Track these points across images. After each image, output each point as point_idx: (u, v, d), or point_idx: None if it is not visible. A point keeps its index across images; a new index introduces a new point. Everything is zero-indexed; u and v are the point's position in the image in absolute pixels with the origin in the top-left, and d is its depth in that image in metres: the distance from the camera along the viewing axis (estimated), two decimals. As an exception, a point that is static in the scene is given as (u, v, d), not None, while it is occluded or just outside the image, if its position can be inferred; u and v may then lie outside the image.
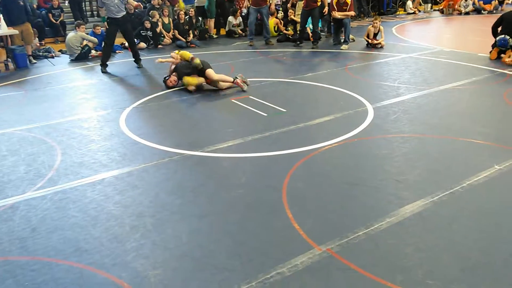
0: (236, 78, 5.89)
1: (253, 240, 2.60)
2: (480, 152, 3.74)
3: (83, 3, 11.62)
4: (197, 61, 5.81)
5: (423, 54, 7.99)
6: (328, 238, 2.57)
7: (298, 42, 9.35)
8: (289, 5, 10.59)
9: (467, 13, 14.55)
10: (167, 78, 6.08)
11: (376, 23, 8.82)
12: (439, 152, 3.78)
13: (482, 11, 14.54)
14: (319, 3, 8.76)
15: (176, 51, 6.34)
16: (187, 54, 6.05)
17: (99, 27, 9.25)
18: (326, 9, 8.89)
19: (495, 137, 4.03)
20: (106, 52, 7.38)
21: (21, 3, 7.87)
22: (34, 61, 8.43)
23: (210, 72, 5.85)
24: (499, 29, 7.26)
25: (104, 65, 7.35)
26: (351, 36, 9.32)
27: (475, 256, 2.40)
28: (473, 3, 14.73)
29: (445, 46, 7.99)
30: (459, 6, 14.89)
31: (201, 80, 5.86)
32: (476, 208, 2.87)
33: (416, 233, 2.61)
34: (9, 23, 7.79)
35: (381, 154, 3.77)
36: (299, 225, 2.71)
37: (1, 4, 7.90)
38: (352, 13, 9.09)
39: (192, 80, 5.80)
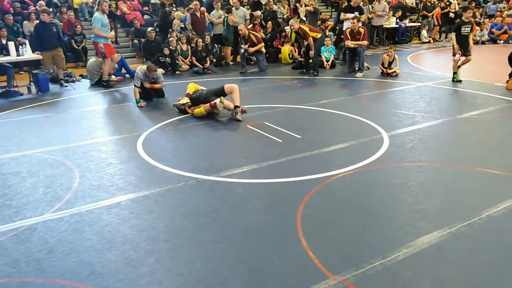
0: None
1: (267, 267, 2.58)
2: (498, 183, 3.67)
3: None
4: (184, 100, 6.15)
5: (439, 83, 7.99)
6: (343, 268, 2.53)
7: (306, 71, 9.48)
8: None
9: (482, 43, 14.58)
10: (179, 105, 6.24)
11: (391, 52, 8.90)
12: (457, 182, 3.73)
13: (498, 40, 14.56)
14: (317, 37, 9.02)
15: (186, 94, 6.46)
16: (191, 87, 6.33)
17: (118, 54, 9.51)
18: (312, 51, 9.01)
19: (514, 167, 3.96)
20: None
21: (54, 30, 8.35)
22: (66, 84, 8.70)
23: (227, 86, 6.14)
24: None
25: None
26: (366, 64, 9.40)
27: (496, 291, 2.33)
28: (489, 33, 14.78)
29: (461, 76, 7.98)
30: (474, 36, 14.93)
31: (206, 107, 5.95)
32: (496, 240, 2.81)
33: (434, 265, 2.56)
34: (42, 48, 8.21)
35: (397, 182, 3.73)
36: (314, 254, 2.68)
37: (35, 30, 8.43)
38: (365, 42, 9.19)
39: (199, 110, 5.98)
